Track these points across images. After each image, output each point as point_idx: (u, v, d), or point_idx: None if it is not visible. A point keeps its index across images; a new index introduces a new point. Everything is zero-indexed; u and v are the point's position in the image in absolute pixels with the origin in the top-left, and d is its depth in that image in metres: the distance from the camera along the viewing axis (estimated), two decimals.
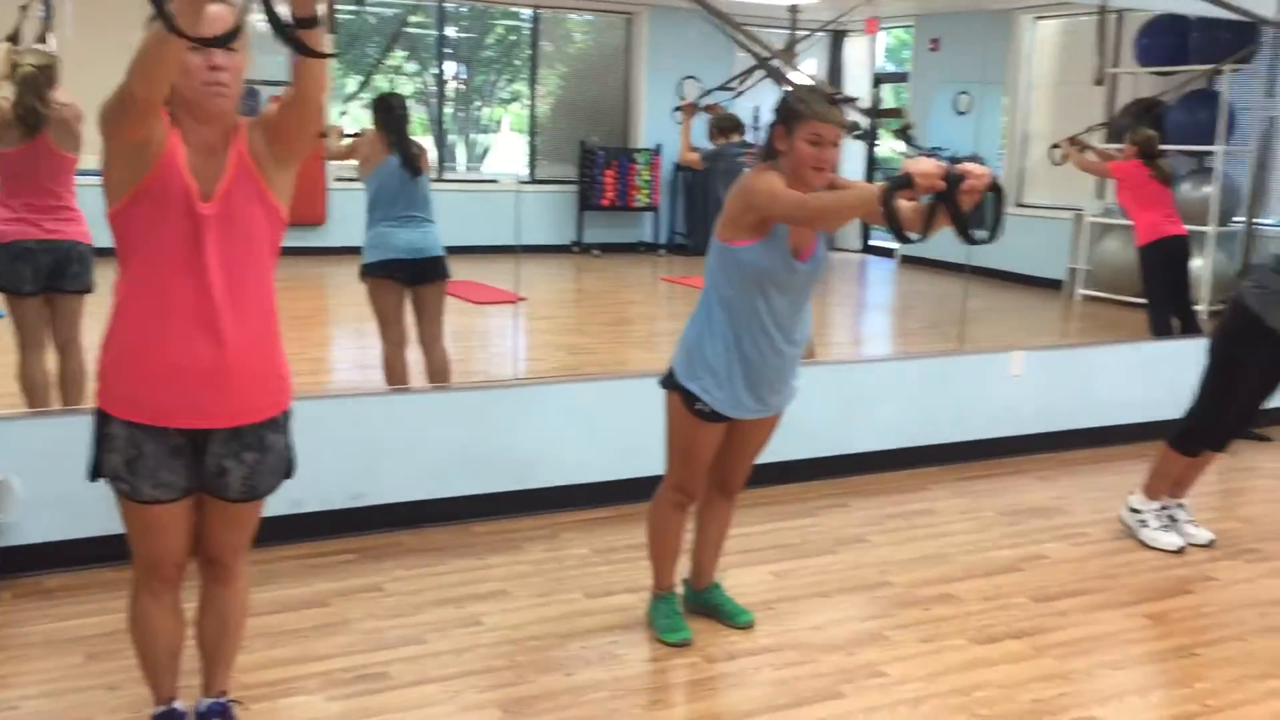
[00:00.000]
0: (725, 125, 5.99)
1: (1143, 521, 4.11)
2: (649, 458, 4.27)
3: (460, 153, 11.30)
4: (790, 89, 2.90)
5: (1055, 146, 7.02)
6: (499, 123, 11.75)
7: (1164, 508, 4.13)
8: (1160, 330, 6.24)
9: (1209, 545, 4.08)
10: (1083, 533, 4.22)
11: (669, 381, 3.09)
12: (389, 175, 4.70)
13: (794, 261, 2.93)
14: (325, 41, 2.06)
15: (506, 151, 11.48)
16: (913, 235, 2.61)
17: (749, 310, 2.96)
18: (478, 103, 11.56)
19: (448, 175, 10.36)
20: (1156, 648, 3.31)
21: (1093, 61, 7.10)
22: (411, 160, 4.71)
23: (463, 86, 11.32)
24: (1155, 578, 3.81)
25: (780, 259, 2.92)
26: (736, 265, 2.94)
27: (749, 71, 6.04)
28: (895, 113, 9.67)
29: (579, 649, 3.16)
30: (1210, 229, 7.63)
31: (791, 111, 2.88)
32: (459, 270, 4.98)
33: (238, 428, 2.28)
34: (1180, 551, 4.02)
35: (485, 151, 11.63)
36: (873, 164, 10.77)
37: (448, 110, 10.97)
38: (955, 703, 2.91)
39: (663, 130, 10.47)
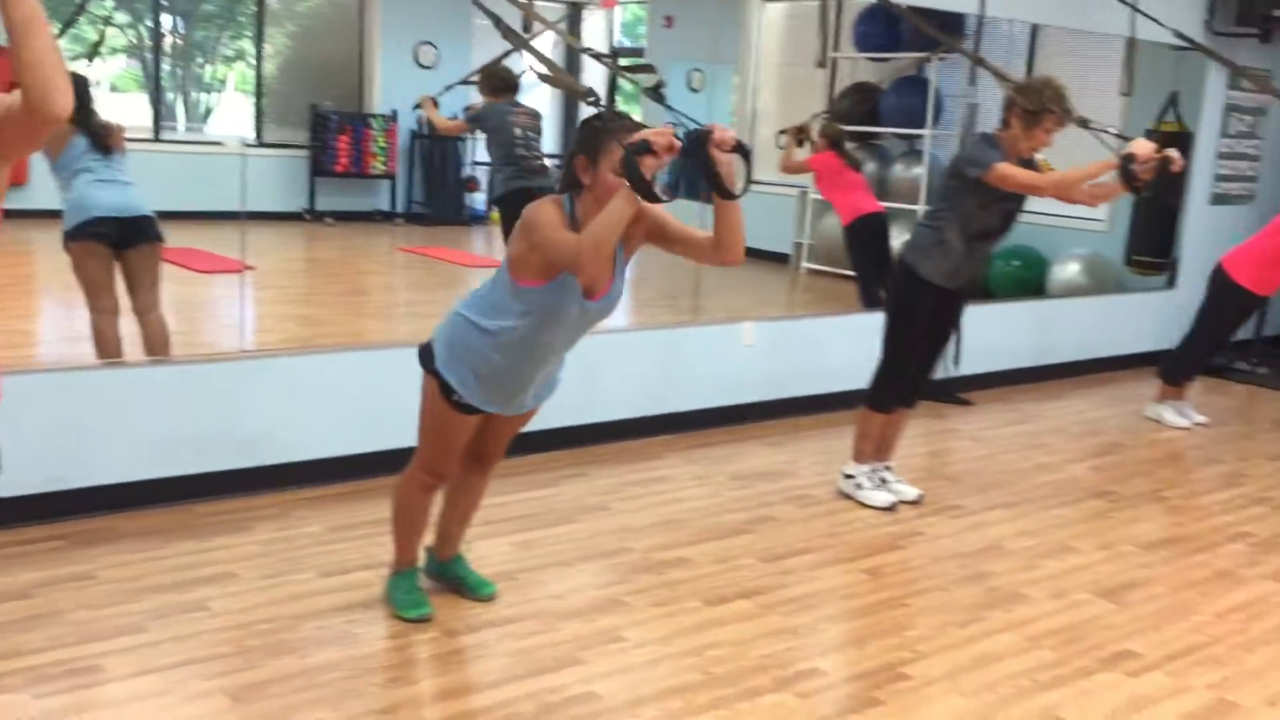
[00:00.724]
0: (496, 84, 5.89)
1: (858, 485, 4.37)
2: (386, 431, 4.18)
3: (180, 112, 10.64)
4: (599, 118, 2.79)
5: (783, 132, 7.36)
6: (223, 82, 11.13)
7: (874, 470, 4.41)
8: (870, 301, 6.67)
9: (917, 502, 4.39)
10: (808, 495, 4.44)
11: (428, 363, 2.96)
12: (80, 153, 4.42)
13: (585, 302, 2.84)
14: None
15: (231, 112, 10.90)
16: (664, 197, 2.65)
17: (529, 338, 2.87)
18: (199, 60, 10.91)
19: (167, 136, 9.74)
20: (871, 600, 3.53)
21: (816, 45, 7.45)
22: (100, 141, 4.43)
23: (180, 42, 10.65)
24: (871, 535, 4.07)
25: (571, 300, 2.82)
26: (523, 302, 2.82)
27: (503, 56, 5.97)
28: (648, 68, 9.79)
29: (313, 630, 3.06)
30: (920, 207, 8.15)
31: (596, 140, 2.73)
32: (180, 237, 4.70)
33: None
34: (892, 509, 4.30)
35: (208, 112, 10.99)
36: None
37: (165, 67, 10.29)
38: (689, 663, 3.01)
39: (399, 95, 10.21)
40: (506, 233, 6.10)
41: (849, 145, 7.06)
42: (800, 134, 7.08)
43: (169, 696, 2.68)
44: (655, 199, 2.62)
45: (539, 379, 3.01)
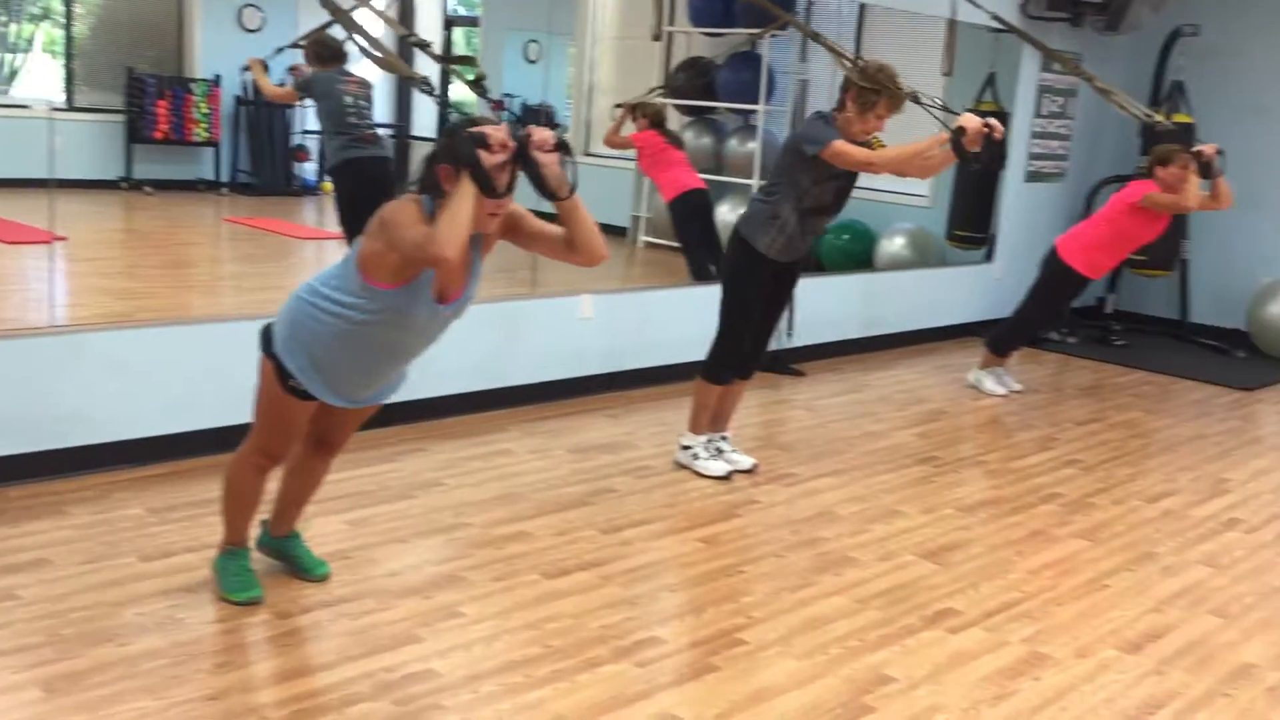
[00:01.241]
0: (325, 53, 5.78)
1: (694, 455, 4.44)
2: (211, 409, 4.04)
3: None
4: (463, 124, 2.71)
5: (619, 106, 7.38)
6: (29, 42, 10.47)
7: (711, 440, 4.48)
8: (700, 275, 6.78)
9: (751, 471, 4.48)
10: (647, 466, 4.48)
11: (267, 346, 2.85)
12: None
13: (437, 306, 2.77)
14: None
15: (39, 74, 10.27)
16: (500, 190, 2.63)
17: (377, 338, 2.79)
18: (3, 18, 10.23)
19: None
20: (708, 568, 3.59)
21: (651, 19, 7.46)
22: None
23: None
24: (708, 504, 4.13)
25: (423, 304, 2.75)
26: (372, 300, 2.72)
27: (324, 26, 5.81)
28: (468, 60, 9.64)
29: (134, 616, 2.93)
30: (754, 181, 8.29)
31: (466, 154, 2.59)
32: None
33: None
34: (727, 478, 4.38)
35: (13, 74, 10.34)
36: (445, 113, 10.71)
37: None
38: (528, 636, 3.00)
39: (222, 59, 9.81)
40: (341, 204, 5.96)
41: (683, 120, 7.15)
42: (635, 111, 7.13)
43: None
44: (492, 189, 2.59)
45: (383, 380, 2.95)
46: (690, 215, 6.92)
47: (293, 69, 6.03)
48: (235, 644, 2.89)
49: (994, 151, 4.00)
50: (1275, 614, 3.51)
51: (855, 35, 8.00)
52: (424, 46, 4.85)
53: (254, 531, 3.21)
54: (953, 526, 4.09)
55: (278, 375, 2.84)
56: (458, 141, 2.62)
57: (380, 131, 6.12)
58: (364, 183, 5.72)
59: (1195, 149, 5.63)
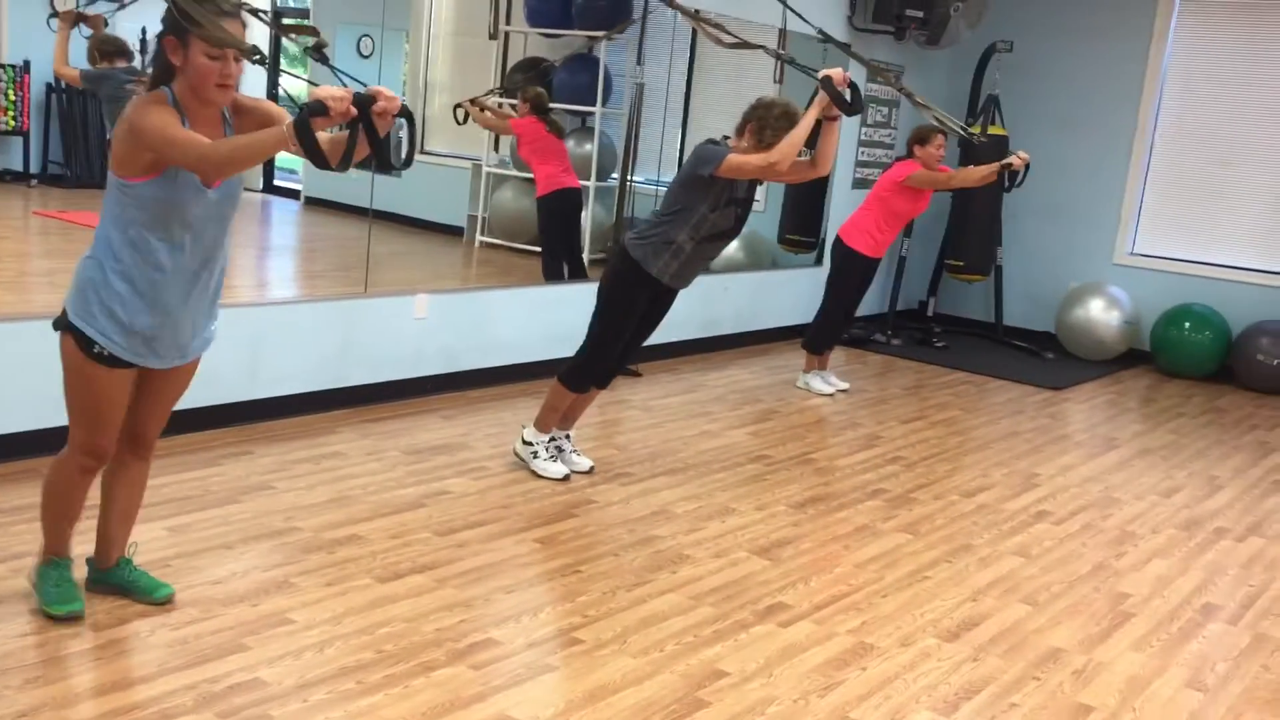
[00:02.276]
0: (108, 49, 5.56)
1: (534, 453, 4.43)
2: (22, 412, 3.83)
3: None
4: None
5: (458, 106, 7.28)
6: None
7: (553, 439, 4.48)
8: (552, 275, 6.76)
9: (589, 472, 4.50)
10: (483, 467, 4.45)
11: (61, 322, 2.73)
12: None
13: (204, 191, 2.67)
14: None
15: None
16: (334, 166, 2.56)
17: (160, 248, 2.68)
18: None
19: None
20: (545, 569, 3.59)
21: (489, 17, 7.40)
22: None
23: None
24: (545, 504, 4.13)
25: (188, 190, 2.65)
26: (138, 202, 2.64)
27: None
28: (309, 30, 9.36)
29: None
30: (591, 184, 8.33)
31: (184, 21, 2.55)
32: None
33: None
34: (566, 479, 4.39)
35: None
36: (276, 86, 10.39)
37: None
38: (361, 641, 2.95)
39: (31, 44, 9.28)
40: None
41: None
42: (475, 104, 7.05)
43: None
44: (325, 165, 2.53)
45: (186, 314, 2.79)
46: (558, 215, 6.83)
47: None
48: (47, 658, 2.74)
49: (855, 98, 4.11)
50: (1080, 601, 3.72)
51: (690, 42, 8.12)
52: (256, 13, 4.68)
53: (79, 551, 3.06)
54: (783, 523, 4.19)
55: (81, 348, 2.72)
56: (180, 14, 2.54)
57: None
58: None
59: (1006, 160, 5.93)
